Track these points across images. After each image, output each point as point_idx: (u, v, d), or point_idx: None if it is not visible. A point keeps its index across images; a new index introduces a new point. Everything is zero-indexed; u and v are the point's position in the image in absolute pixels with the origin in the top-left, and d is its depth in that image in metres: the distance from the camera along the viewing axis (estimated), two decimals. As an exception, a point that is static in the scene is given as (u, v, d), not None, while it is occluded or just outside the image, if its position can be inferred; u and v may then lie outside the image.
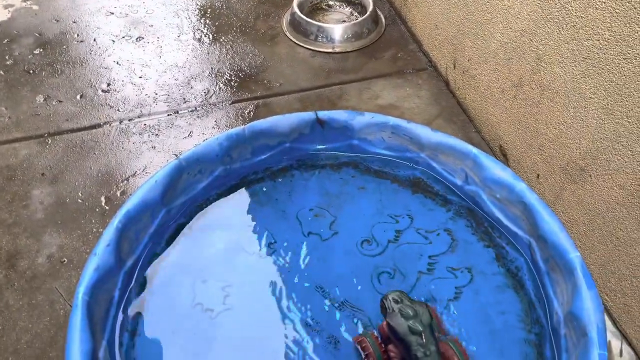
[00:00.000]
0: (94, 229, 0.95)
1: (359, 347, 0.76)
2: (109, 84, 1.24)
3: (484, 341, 0.78)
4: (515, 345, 0.78)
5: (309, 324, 0.81)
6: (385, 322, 0.72)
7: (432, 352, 0.67)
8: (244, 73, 1.28)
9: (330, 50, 1.36)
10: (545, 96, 0.89)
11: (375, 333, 0.76)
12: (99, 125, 1.14)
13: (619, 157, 0.75)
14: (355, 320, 0.81)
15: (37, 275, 0.89)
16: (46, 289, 0.87)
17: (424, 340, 0.67)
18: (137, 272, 0.84)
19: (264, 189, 0.98)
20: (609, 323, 0.84)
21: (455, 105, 1.20)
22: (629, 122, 0.72)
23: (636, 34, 0.68)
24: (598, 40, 0.74)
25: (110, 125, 1.14)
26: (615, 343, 0.82)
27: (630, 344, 0.81)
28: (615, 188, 0.77)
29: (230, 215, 0.94)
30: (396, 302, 0.72)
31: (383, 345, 0.74)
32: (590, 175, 0.82)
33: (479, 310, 0.82)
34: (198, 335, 0.79)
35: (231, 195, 0.97)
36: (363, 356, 0.75)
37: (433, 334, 0.68)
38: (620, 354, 0.81)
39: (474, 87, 1.12)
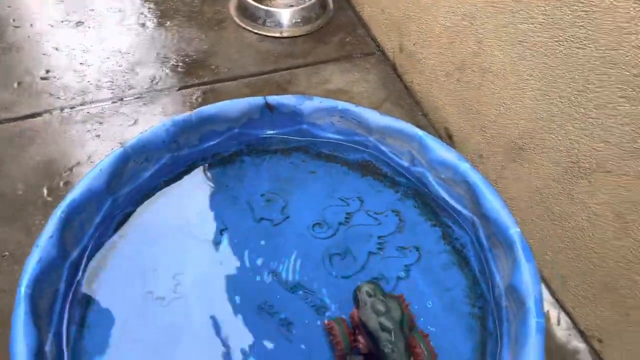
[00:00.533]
0: (37, 221, 0.92)
1: (328, 333, 0.77)
2: (48, 71, 1.19)
3: (432, 317, 0.81)
4: (461, 320, 0.82)
5: (262, 308, 0.82)
6: (356, 312, 0.73)
7: (399, 348, 0.68)
8: (190, 59, 1.26)
9: (278, 35, 1.36)
10: (486, 79, 0.92)
11: (346, 320, 0.77)
12: (38, 114, 1.10)
13: (553, 136, 0.79)
14: (308, 302, 0.83)
15: (-24, 270, 0.85)
16: (-14, 285, 0.84)
17: (393, 337, 0.68)
18: (83, 263, 0.82)
19: (214, 176, 0.98)
20: (547, 294, 0.88)
21: (403, 89, 1.23)
22: (561, 102, 0.76)
23: (567, 17, 0.71)
24: (533, 23, 0.78)
25: (51, 113, 1.10)
26: (554, 312, 0.87)
27: (567, 313, 0.86)
28: (550, 165, 0.81)
29: (179, 203, 0.93)
30: (369, 295, 0.73)
31: (353, 332, 0.74)
32: (528, 154, 0.86)
33: (427, 287, 0.85)
34: (150, 324, 0.78)
35: (179, 182, 0.96)
36: (332, 343, 0.76)
37: (402, 331, 0.69)
38: (558, 323, 0.86)
39: (419, 71, 1.15)
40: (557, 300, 0.87)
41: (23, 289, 0.69)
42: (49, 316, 0.73)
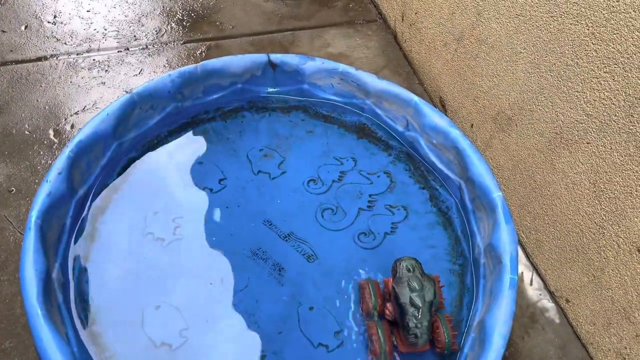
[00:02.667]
0: (43, 161, 0.96)
1: (360, 290, 0.82)
2: (55, 16, 1.21)
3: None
4: (442, 275, 0.87)
5: (257, 253, 0.87)
6: (390, 282, 0.78)
7: (423, 326, 0.73)
8: (196, 14, 1.28)
9: (283, -4, 1.37)
10: (482, 50, 0.96)
11: (380, 284, 0.82)
12: (45, 58, 1.12)
13: (540, 108, 0.84)
14: (299, 251, 0.88)
15: (-16, 203, 0.89)
16: (-5, 217, 0.88)
17: (420, 315, 0.73)
18: (89, 201, 0.86)
19: (215, 129, 1.01)
20: (523, 256, 0.94)
21: (402, 57, 1.26)
22: (551, 75, 0.80)
23: (563, -6, 0.75)
24: (531, -2, 0.81)
25: (57, 58, 1.12)
26: (527, 274, 0.93)
27: (539, 275, 0.92)
28: (536, 136, 0.86)
29: (182, 152, 0.97)
30: (408, 270, 0.77)
31: (383, 297, 0.79)
32: (516, 125, 0.90)
33: (412, 243, 0.91)
34: (149, 262, 0.83)
35: (182, 132, 0.99)
36: (361, 298, 0.82)
37: (430, 311, 0.74)
38: (531, 283, 0.92)
39: (419, 40, 1.18)
40: (532, 263, 0.93)
41: (33, 219, 0.73)
42: (55, 247, 0.78)
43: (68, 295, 0.76)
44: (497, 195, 0.85)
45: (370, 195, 0.96)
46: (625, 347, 0.76)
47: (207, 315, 0.79)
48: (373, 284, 0.81)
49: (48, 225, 0.76)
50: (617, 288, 0.76)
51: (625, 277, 0.74)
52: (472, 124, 1.04)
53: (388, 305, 0.77)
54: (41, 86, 1.06)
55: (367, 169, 1.00)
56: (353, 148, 1.03)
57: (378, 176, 0.99)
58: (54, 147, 0.98)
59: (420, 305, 0.73)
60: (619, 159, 0.71)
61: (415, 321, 0.72)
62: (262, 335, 0.78)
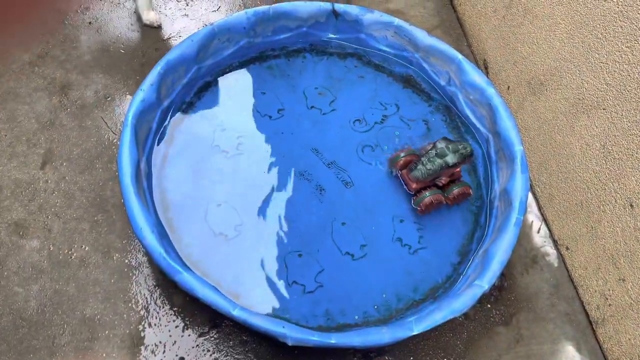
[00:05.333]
0: (134, 76, 1.13)
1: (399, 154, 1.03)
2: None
3: (440, 210, 1.01)
4: (459, 212, 1.01)
5: (302, 174, 1.02)
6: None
7: (427, 168, 0.96)
8: (271, -40, 1.40)
9: (352, -49, 1.47)
10: (527, 19, 1.05)
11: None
12: (138, -12, 1.28)
13: (569, 75, 0.94)
14: (339, 177, 1.03)
15: (85, 105, 1.08)
16: (94, 117, 1.06)
17: (434, 160, 0.95)
18: (170, 112, 1.03)
19: (279, 65, 1.16)
20: (535, 208, 1.06)
21: (455, 19, 1.35)
22: (582, 46, 0.90)
23: (603, -27, 0.83)
24: (575, -26, 0.90)
25: (148, -11, 1.28)
26: (537, 223, 1.05)
27: (547, 225, 1.04)
28: (562, 100, 0.96)
29: (249, 81, 1.12)
30: (448, 148, 0.95)
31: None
32: (546, 89, 1.01)
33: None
34: (214, 168, 1.00)
35: (251, 65, 1.14)
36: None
37: (441, 168, 0.95)
38: (538, 232, 1.04)
39: (472, 4, 1.27)
40: (542, 214, 1.05)
41: (130, 119, 0.91)
42: (144, 145, 0.95)
43: (151, 184, 0.94)
44: (518, 148, 0.96)
45: (407, 138, 1.09)
46: (609, 289, 0.88)
47: (258, 216, 0.96)
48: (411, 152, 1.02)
49: (140, 125, 0.93)
50: (609, 238, 0.87)
51: (617, 229, 0.85)
52: (509, 86, 1.14)
53: (431, 144, 0.99)
54: (135, 13, 1.23)
55: (408, 116, 1.13)
56: (398, 96, 1.15)
57: (416, 123, 1.12)
58: (144, 64, 1.15)
59: (440, 155, 0.94)
60: (627, 124, 0.81)
61: (427, 160, 0.94)
62: (301, 238, 0.95)
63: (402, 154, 1.01)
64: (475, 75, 1.06)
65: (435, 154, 0.95)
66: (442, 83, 1.14)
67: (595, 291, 0.91)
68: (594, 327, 0.93)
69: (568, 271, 0.98)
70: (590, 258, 0.92)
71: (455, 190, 0.97)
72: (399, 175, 1.01)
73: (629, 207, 0.82)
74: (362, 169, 1.04)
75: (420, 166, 0.97)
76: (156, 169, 0.97)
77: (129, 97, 1.10)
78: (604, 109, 0.86)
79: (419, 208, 0.97)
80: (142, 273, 0.91)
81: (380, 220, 0.98)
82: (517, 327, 0.93)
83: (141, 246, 0.93)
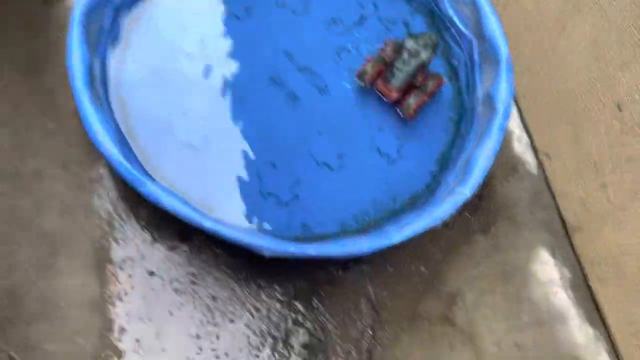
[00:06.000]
0: (79, -31, 1.00)
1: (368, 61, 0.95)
2: None
3: (418, 117, 0.96)
4: (440, 121, 0.96)
5: (274, 79, 0.95)
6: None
7: (404, 71, 0.89)
8: None
9: None
10: None
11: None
12: None
13: (563, -31, 0.87)
14: (313, 83, 0.96)
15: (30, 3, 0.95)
16: (40, 16, 0.94)
17: (408, 61, 0.89)
18: (124, 9, 0.92)
19: (246, -42, 1.04)
20: (517, 116, 1.03)
21: None
22: None
23: None
24: None
25: None
26: (518, 131, 1.02)
27: (528, 133, 1.01)
28: (550, 2, 0.90)
29: (212, -24, 1.01)
30: (422, 44, 0.89)
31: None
32: (536, -15, 0.94)
33: (417, 90, 0.99)
34: (177, 73, 0.91)
35: (214, -43, 1.02)
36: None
37: (417, 68, 0.89)
38: (520, 140, 1.01)
39: None
40: (524, 122, 1.02)
41: (77, 16, 0.80)
42: (95, 47, 0.86)
43: (107, 91, 0.86)
44: (504, 50, 0.91)
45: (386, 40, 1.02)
46: (588, 196, 0.87)
47: (228, 125, 0.89)
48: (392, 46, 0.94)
49: (89, 24, 0.83)
50: (593, 143, 0.85)
51: (602, 133, 0.82)
52: (495, -15, 1.06)
53: (390, 44, 0.92)
54: None
55: (387, 17, 1.04)
56: (376, -5, 1.06)
57: (396, 24, 1.04)
58: (90, -44, 1.01)
59: (414, 55, 0.88)
60: (622, 22, 0.76)
61: (402, 63, 0.89)
62: (274, 148, 0.89)
63: (369, 66, 0.93)
64: (460, -29, 0.98)
65: (409, 55, 0.89)
66: (424, -20, 1.05)
67: (574, 198, 0.90)
68: (569, 233, 0.93)
69: (547, 179, 0.97)
70: (571, 165, 0.90)
71: (431, 84, 0.93)
72: (375, 89, 0.95)
73: (617, 110, 0.79)
74: (338, 75, 0.97)
75: (397, 73, 0.90)
76: (112, 74, 0.88)
77: (76, -8, 0.98)
78: (599, 6, 0.80)
79: (408, 115, 0.92)
80: (104, 186, 0.85)
81: (357, 129, 0.93)
82: (496, 235, 0.92)
83: (101, 158, 0.86)
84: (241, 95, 0.92)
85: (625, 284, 0.82)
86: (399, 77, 0.90)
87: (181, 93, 0.90)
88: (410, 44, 0.89)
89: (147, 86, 0.89)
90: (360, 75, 0.94)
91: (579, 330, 0.88)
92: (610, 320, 0.86)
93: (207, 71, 0.93)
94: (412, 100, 0.91)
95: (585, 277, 0.90)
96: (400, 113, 0.94)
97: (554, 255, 0.92)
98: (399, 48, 0.92)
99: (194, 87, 0.91)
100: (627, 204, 0.80)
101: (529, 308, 0.88)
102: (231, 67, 0.94)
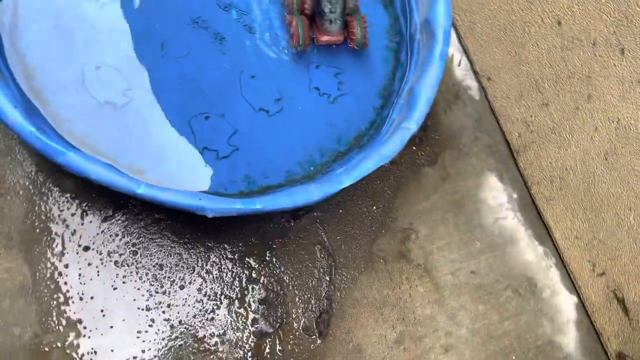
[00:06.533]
0: None
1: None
2: None
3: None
4: (377, 52, 0.91)
5: (196, 21, 0.86)
6: None
7: (337, 12, 0.82)
8: None
9: None
10: None
11: None
12: None
13: None
14: (241, 22, 0.88)
15: None
16: None
17: (335, 4, 0.82)
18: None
19: None
20: (455, 39, 0.99)
21: None
22: None
23: None
24: None
25: None
26: (457, 56, 0.99)
27: (467, 56, 0.98)
28: None
29: None
30: None
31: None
32: None
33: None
34: (83, 22, 0.80)
35: None
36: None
37: (344, 3, 0.83)
38: (459, 64, 0.98)
39: None
40: (462, 46, 0.99)
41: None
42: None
43: (2, 49, 0.74)
44: (439, -29, 0.85)
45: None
46: (531, 116, 0.87)
47: (149, 77, 0.80)
48: None
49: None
50: (534, 62, 0.83)
51: (543, 50, 0.81)
52: None
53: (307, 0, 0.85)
54: None
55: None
56: None
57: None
58: None
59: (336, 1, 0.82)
60: None
61: (329, 6, 0.82)
62: (205, 97, 0.82)
63: (299, 29, 0.84)
64: None
65: None
66: None
67: (517, 119, 0.90)
68: (515, 155, 0.93)
69: (490, 103, 0.95)
70: (512, 86, 0.89)
71: (360, 32, 0.85)
72: (317, 45, 0.87)
73: (557, 25, 0.77)
74: (267, 10, 0.89)
75: (333, 18, 0.83)
76: (5, 29, 0.76)
77: None
78: None
79: (364, 45, 0.87)
80: (16, 160, 0.75)
81: (294, 68, 0.87)
82: (443, 165, 0.91)
83: (8, 129, 0.76)
84: (160, 41, 0.83)
85: (569, 199, 0.83)
86: (338, 22, 0.84)
87: (90, 44, 0.79)
88: None
89: (49, 40, 0.78)
90: (296, 43, 0.84)
91: (529, 249, 0.90)
92: (557, 236, 0.88)
93: (117, 16, 0.82)
94: (359, 30, 0.85)
95: (532, 198, 0.91)
96: (354, 45, 0.87)
97: (501, 179, 0.93)
98: None
99: (104, 37, 0.80)
100: (569, 120, 0.79)
101: (481, 234, 0.88)
102: (146, 10, 0.84)
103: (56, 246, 0.73)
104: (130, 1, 0.83)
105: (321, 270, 0.82)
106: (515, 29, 0.85)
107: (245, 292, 0.77)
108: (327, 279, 0.82)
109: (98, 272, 0.73)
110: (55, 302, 0.71)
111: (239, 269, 0.78)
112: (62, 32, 0.79)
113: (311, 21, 0.86)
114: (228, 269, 0.78)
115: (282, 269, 0.80)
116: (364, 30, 0.85)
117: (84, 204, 0.76)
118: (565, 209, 0.85)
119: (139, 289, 0.74)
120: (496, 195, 0.92)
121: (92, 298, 0.72)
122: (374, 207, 0.87)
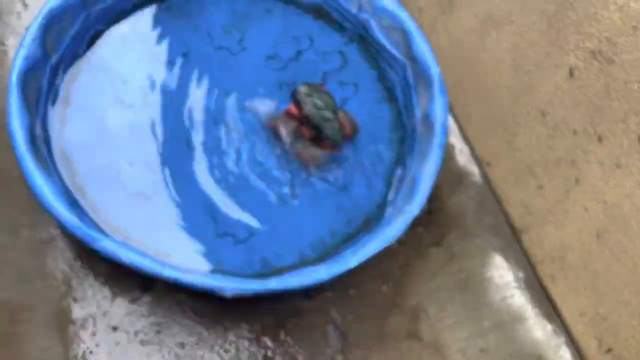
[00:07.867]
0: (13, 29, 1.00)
1: (272, 129, 0.95)
2: None
3: (361, 136, 0.99)
4: (383, 143, 1.00)
5: (217, 120, 0.97)
6: (294, 108, 0.92)
7: (336, 127, 0.91)
8: None
9: None
10: None
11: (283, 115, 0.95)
12: None
13: (477, -9, 0.93)
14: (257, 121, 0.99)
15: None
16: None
17: (333, 124, 0.91)
18: (62, 68, 0.92)
19: (177, 4, 1.06)
20: (456, 129, 1.08)
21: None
22: (488, -40, 0.89)
23: None
24: None
25: None
26: (459, 144, 1.07)
27: (468, 144, 1.06)
28: (471, 18, 0.96)
29: (146, 26, 1.02)
30: (308, 95, 0.91)
31: (296, 124, 0.93)
32: (456, 7, 1.00)
33: (360, 116, 1.02)
34: (120, 125, 0.91)
35: (146, 7, 1.04)
36: (276, 133, 0.94)
37: (337, 115, 0.92)
38: (462, 152, 1.06)
39: None
40: (463, 135, 1.07)
41: (14, 80, 0.80)
42: (35, 107, 0.86)
43: (51, 150, 0.86)
44: (435, 71, 0.96)
45: (324, 73, 1.06)
46: (528, 198, 0.93)
47: (176, 170, 0.90)
48: (283, 117, 0.95)
49: (28, 86, 0.83)
50: (525, 149, 0.90)
51: (532, 139, 0.88)
52: (420, 8, 1.12)
53: (303, 128, 0.93)
54: (1, -43, 1.07)
55: (322, 49, 1.08)
56: (309, 29, 1.10)
57: (332, 55, 1.08)
58: (22, 18, 1.01)
59: (332, 117, 0.91)
60: (534, 36, 0.82)
61: (332, 130, 0.91)
62: (226, 187, 0.91)
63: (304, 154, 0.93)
64: (385, 0, 1.03)
65: (331, 110, 0.91)
66: (354, 11, 1.09)
67: (517, 202, 0.96)
68: (518, 236, 0.97)
69: (491, 186, 1.02)
70: (509, 171, 0.96)
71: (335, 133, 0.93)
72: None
73: (541, 117, 0.85)
74: (282, 109, 1.00)
75: (336, 136, 0.91)
76: (54, 132, 0.88)
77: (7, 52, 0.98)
78: (511, 22, 0.87)
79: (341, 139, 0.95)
80: (57, 247, 0.84)
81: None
82: (449, 245, 0.96)
83: (51, 219, 0.85)
84: (186, 138, 0.94)
85: (570, 276, 0.87)
86: (335, 134, 0.91)
87: (126, 144, 0.90)
88: (316, 100, 0.91)
89: (91, 142, 0.89)
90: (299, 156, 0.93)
91: (538, 327, 0.92)
92: (565, 314, 0.91)
93: (150, 120, 0.94)
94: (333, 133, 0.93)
95: (537, 276, 0.95)
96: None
97: (506, 258, 0.97)
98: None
99: (138, 137, 0.92)
100: (562, 202, 0.85)
101: (488, 312, 0.92)
102: (174, 114, 0.95)
103: (89, 326, 0.79)
104: (160, 107, 0.95)
105: (334, 349, 0.85)
106: (506, 119, 0.93)
107: (261, 370, 0.81)
108: (340, 358, 0.85)
109: (125, 351, 0.79)
110: (84, 380, 0.76)
111: (255, 347, 0.83)
112: (102, 134, 0.90)
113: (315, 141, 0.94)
114: (245, 347, 0.82)
115: (296, 348, 0.84)
116: (351, 120, 0.95)
117: (115, 287, 0.83)
118: (568, 287, 0.88)
119: (161, 366, 0.79)
120: (502, 274, 0.96)
121: (118, 376, 0.77)
122: (384, 287, 0.91)
